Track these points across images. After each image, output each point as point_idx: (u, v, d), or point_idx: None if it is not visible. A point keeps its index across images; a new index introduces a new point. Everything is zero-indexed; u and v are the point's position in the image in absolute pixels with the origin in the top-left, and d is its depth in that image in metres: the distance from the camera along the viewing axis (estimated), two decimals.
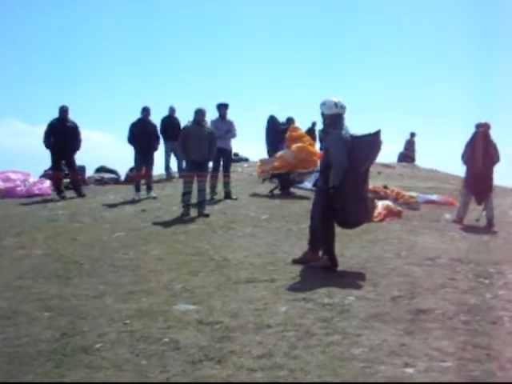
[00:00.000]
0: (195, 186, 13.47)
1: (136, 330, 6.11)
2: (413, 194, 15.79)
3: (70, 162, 17.24)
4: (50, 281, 8.21)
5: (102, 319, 6.50)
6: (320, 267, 8.44)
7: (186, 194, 13.36)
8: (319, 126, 31.64)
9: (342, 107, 8.63)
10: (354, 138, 8.51)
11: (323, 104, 8.60)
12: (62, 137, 16.46)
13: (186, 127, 13.68)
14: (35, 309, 6.93)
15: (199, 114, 13.48)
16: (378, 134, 8.67)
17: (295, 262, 8.70)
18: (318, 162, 18.03)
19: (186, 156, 13.60)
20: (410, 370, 4.95)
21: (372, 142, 8.66)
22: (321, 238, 8.61)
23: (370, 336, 5.74)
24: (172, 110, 20.23)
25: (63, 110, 16.92)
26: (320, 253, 8.72)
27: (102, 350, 5.64)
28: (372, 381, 4.74)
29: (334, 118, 8.58)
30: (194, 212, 13.31)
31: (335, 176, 8.27)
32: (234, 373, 4.99)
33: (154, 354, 5.48)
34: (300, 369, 5.01)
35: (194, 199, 13.54)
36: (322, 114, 8.68)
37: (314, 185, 9.12)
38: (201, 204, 13.47)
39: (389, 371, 4.92)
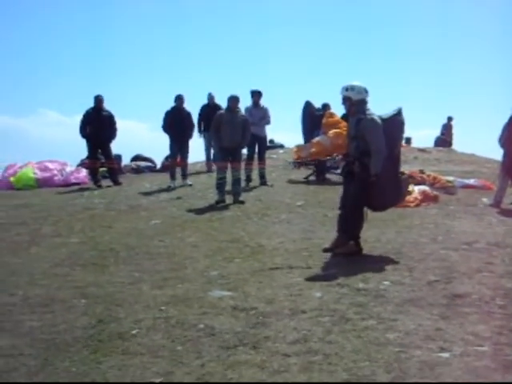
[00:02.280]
0: (229, 174, 13.50)
1: (171, 316, 6.14)
2: (450, 178, 15.65)
3: (107, 151, 17.43)
4: (86, 268, 8.28)
5: (137, 306, 6.54)
6: (347, 253, 8.42)
7: (221, 181, 13.40)
8: None
9: (368, 92, 8.60)
10: (384, 121, 8.46)
11: (351, 89, 8.47)
12: (98, 126, 16.65)
13: (219, 114, 13.70)
14: (72, 296, 7.00)
15: (232, 100, 13.51)
16: (400, 112, 8.71)
17: (327, 250, 8.60)
18: None
19: (220, 143, 13.61)
20: (445, 355, 4.89)
21: (399, 122, 8.70)
22: (351, 224, 8.54)
23: (405, 321, 5.69)
24: (211, 98, 19.13)
25: (98, 100, 17.08)
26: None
27: (138, 336, 5.67)
28: (407, 365, 4.71)
29: (361, 104, 8.51)
30: (229, 199, 13.34)
31: (377, 163, 8.24)
32: (268, 358, 4.99)
33: (190, 340, 5.49)
34: (335, 354, 4.99)
35: (228, 186, 13.58)
36: (347, 99, 8.53)
37: (342, 172, 9.04)
38: (236, 191, 13.49)
39: (424, 356, 4.88)
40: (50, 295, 7.05)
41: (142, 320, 6.07)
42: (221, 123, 13.37)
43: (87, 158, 18.11)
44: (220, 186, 13.43)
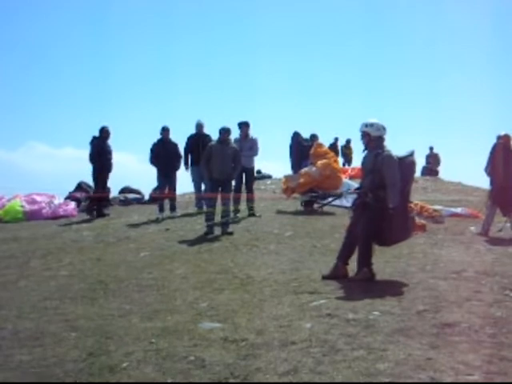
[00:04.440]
0: (218, 205, 13.56)
1: (162, 348, 6.13)
2: (437, 207, 15.75)
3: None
4: (76, 301, 8.27)
5: (127, 338, 6.53)
6: (361, 280, 8.60)
7: (210, 212, 13.50)
8: (341, 142, 31.90)
9: (385, 129, 9.00)
10: (398, 160, 8.88)
11: (371, 125, 8.91)
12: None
13: (209, 146, 13.81)
14: (62, 329, 6.99)
15: (223, 133, 13.65)
16: (413, 154, 9.15)
17: (326, 277, 8.78)
18: (343, 179, 18.15)
19: (209, 175, 13.67)
20: None
21: (411, 162, 9.11)
22: (363, 252, 8.77)
23: (396, 351, 5.70)
24: (200, 126, 17.20)
25: (104, 131, 17.42)
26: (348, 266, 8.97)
27: (129, 368, 5.66)
28: None
29: (379, 140, 8.93)
30: (217, 230, 13.37)
31: (394, 196, 8.59)
32: None
33: (180, 373, 5.49)
34: None
35: (217, 217, 13.62)
36: (366, 135, 8.94)
37: (353, 204, 9.29)
38: (224, 222, 13.53)
39: None
40: (39, 329, 7.03)
41: (133, 353, 6.06)
42: (211, 155, 13.48)
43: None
44: (209, 217, 13.49)
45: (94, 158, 17.16)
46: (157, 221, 15.80)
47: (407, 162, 8.98)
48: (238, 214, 15.58)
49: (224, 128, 13.74)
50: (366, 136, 8.95)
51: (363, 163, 9.29)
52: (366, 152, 9.10)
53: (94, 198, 18.15)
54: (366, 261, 8.75)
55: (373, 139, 8.90)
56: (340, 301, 7.57)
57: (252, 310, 7.42)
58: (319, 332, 6.36)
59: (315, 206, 17.01)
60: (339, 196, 15.63)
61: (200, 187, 17.08)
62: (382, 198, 8.61)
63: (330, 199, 15.86)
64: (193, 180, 17.15)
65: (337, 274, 8.83)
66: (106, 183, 17.77)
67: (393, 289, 8.15)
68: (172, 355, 5.93)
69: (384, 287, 8.27)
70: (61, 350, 6.29)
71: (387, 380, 5.02)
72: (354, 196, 14.19)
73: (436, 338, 6.06)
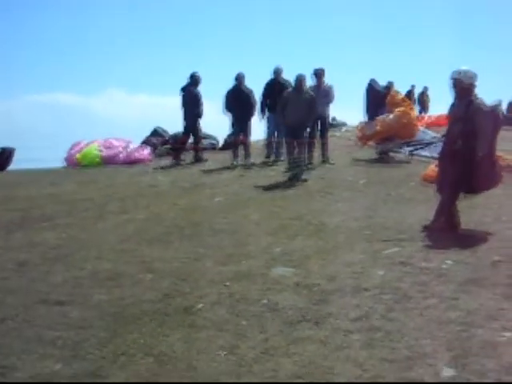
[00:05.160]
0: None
1: (235, 291, 6.27)
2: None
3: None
4: (151, 244, 8.47)
5: (202, 281, 6.70)
6: (436, 229, 8.54)
7: (290, 158, 13.78)
8: (418, 90, 31.34)
9: (477, 77, 8.82)
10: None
11: (463, 73, 8.71)
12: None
13: (285, 93, 13.97)
14: (138, 271, 7.20)
15: (299, 80, 13.70)
16: (500, 104, 9.02)
17: (427, 227, 8.75)
18: (419, 127, 17.92)
19: (285, 122, 13.82)
20: (508, 334, 4.91)
21: (500, 112, 9.23)
22: (445, 202, 8.69)
23: (468, 300, 5.70)
24: (278, 72, 16.72)
25: (195, 77, 17.45)
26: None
27: (203, 310, 5.82)
28: (469, 344, 4.75)
29: (471, 88, 8.73)
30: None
31: (484, 144, 8.49)
32: (330, 334, 5.08)
33: (253, 315, 5.62)
34: (397, 331, 5.05)
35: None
36: (458, 82, 8.74)
37: (441, 152, 9.30)
38: (300, 169, 13.62)
39: (486, 335, 4.90)
40: (117, 270, 7.26)
41: (207, 295, 6.22)
42: (287, 102, 13.63)
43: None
44: (290, 162, 13.79)
45: (186, 104, 17.29)
46: (231, 167, 15.94)
47: (496, 112, 8.89)
48: (312, 161, 15.58)
49: (299, 75, 13.84)
50: (458, 84, 8.75)
51: (451, 111, 9.13)
52: (455, 99, 8.96)
53: (181, 144, 18.37)
54: (445, 210, 8.66)
55: (465, 87, 8.71)
56: (413, 249, 7.56)
57: (325, 256, 7.49)
58: (391, 279, 6.40)
59: (391, 154, 16.90)
60: (428, 144, 15.55)
61: (273, 134, 16.95)
62: (471, 146, 8.46)
63: (418, 146, 15.83)
64: (268, 127, 17.01)
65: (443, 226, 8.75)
66: (197, 129, 17.80)
67: (467, 239, 8.08)
68: (245, 298, 6.06)
69: (458, 237, 8.20)
70: (137, 290, 6.50)
71: (458, 328, 5.05)
72: (433, 145, 14.00)
73: (510, 289, 6.01)
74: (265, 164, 16.10)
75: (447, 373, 4.29)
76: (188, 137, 18.02)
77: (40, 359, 4.87)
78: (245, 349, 4.89)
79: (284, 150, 14.55)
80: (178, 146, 18.28)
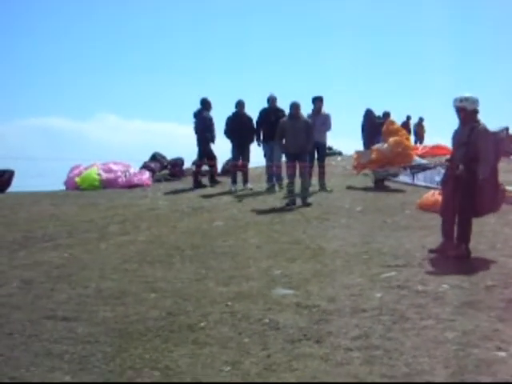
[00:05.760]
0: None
1: (237, 311, 6.44)
2: (509, 187, 15.59)
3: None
4: (154, 265, 8.64)
5: (204, 301, 6.86)
6: (458, 256, 8.66)
7: (291, 185, 13.94)
8: (414, 120, 31.68)
9: (479, 102, 9.02)
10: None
11: (466, 100, 8.89)
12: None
13: (282, 122, 14.20)
14: (142, 290, 7.37)
15: (294, 107, 14.00)
16: (506, 130, 9.11)
17: (432, 251, 8.92)
18: (414, 156, 18.13)
19: (285, 149, 14.15)
20: (502, 354, 5.09)
21: (503, 138, 9.18)
22: (464, 227, 8.84)
23: (464, 322, 5.88)
24: (272, 100, 16.66)
25: (205, 102, 17.62)
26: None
27: (207, 328, 5.98)
28: (465, 362, 4.92)
29: (474, 113, 8.94)
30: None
31: (485, 169, 8.67)
32: (331, 351, 5.25)
33: (256, 333, 5.79)
34: (395, 349, 5.23)
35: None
36: (462, 109, 8.91)
37: (443, 177, 9.55)
38: (304, 194, 13.93)
39: (481, 354, 5.08)
40: (121, 288, 7.43)
41: (210, 314, 6.38)
42: (284, 130, 13.91)
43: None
44: (290, 189, 13.94)
45: (198, 129, 17.45)
46: (230, 192, 16.12)
47: (499, 137, 9.15)
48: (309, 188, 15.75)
49: (294, 103, 14.08)
50: (462, 110, 8.92)
51: (455, 136, 9.25)
52: (459, 126, 9.14)
53: (199, 167, 18.42)
54: (466, 236, 8.83)
55: (468, 113, 8.90)
56: (410, 273, 7.73)
57: (324, 278, 7.65)
58: (389, 301, 6.58)
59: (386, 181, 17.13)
60: (430, 167, 15.77)
61: (270, 161, 16.72)
62: (472, 170, 8.65)
63: (420, 166, 16.07)
64: (264, 155, 16.87)
65: (443, 250, 8.92)
66: (211, 153, 17.94)
67: (462, 265, 8.24)
68: (247, 317, 6.23)
69: (453, 263, 8.36)
70: (141, 308, 6.67)
71: (454, 348, 5.22)
72: (425, 173, 14.27)
73: (503, 312, 6.20)
74: (263, 189, 16.23)
75: None
76: (204, 161, 18.16)
77: (49, 371, 5.03)
78: (248, 364, 5.06)
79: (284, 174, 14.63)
80: (196, 171, 18.40)
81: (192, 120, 17.49)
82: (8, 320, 6.31)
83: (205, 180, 18.11)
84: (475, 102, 8.95)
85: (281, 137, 14.07)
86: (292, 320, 6.10)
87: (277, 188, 16.02)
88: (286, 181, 14.30)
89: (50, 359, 5.28)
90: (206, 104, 17.57)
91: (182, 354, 5.35)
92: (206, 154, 17.77)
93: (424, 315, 6.11)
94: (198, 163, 18.42)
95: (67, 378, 4.88)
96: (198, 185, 17.68)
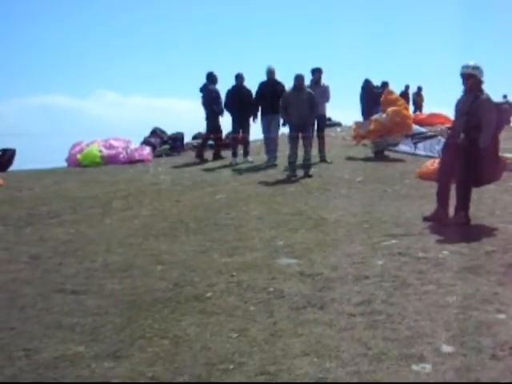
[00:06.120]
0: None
1: (243, 280, 6.58)
2: (508, 155, 15.68)
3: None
4: (158, 238, 8.77)
5: (210, 271, 6.99)
6: (457, 223, 8.79)
7: (292, 157, 14.07)
8: (412, 90, 31.65)
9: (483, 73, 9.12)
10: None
11: (477, 68, 8.96)
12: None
13: (285, 94, 14.42)
14: (148, 262, 7.50)
15: (298, 79, 14.19)
16: (508, 102, 9.28)
17: (426, 219, 9.08)
18: (413, 126, 18.19)
19: (289, 120, 14.29)
20: (501, 316, 5.23)
21: (506, 109, 9.39)
22: (462, 195, 8.94)
23: (464, 286, 6.02)
24: (271, 72, 16.45)
25: (212, 76, 17.87)
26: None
27: (213, 298, 6.12)
28: (466, 324, 5.07)
29: (480, 83, 9.01)
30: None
31: (486, 137, 8.75)
32: (335, 317, 5.39)
33: (261, 302, 5.92)
34: (397, 313, 5.37)
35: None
36: (471, 76, 8.95)
37: (444, 144, 9.67)
38: (306, 164, 14.15)
39: (481, 316, 5.22)
40: (127, 262, 7.56)
41: (216, 284, 6.52)
42: (288, 102, 14.05)
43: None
44: (291, 161, 14.06)
45: (205, 102, 17.58)
46: (231, 165, 16.25)
47: (502, 108, 9.19)
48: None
49: (298, 75, 14.22)
50: (470, 77, 8.94)
51: (457, 105, 9.30)
52: (462, 95, 9.19)
53: (205, 140, 18.73)
54: (464, 204, 8.93)
55: (476, 82, 8.95)
56: (411, 241, 7.88)
57: (326, 248, 7.80)
58: (391, 268, 6.72)
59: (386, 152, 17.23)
60: (432, 136, 15.88)
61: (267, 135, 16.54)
62: (473, 139, 8.73)
63: (422, 135, 16.16)
64: (263, 128, 16.63)
65: (437, 217, 9.08)
66: (218, 127, 18.10)
67: (462, 231, 8.38)
68: (252, 286, 6.37)
69: (453, 229, 8.50)
70: (148, 280, 6.80)
71: (455, 311, 5.37)
72: (425, 142, 14.38)
73: (503, 276, 6.34)
74: (263, 162, 16.33)
75: (446, 349, 4.60)
76: (210, 135, 18.32)
77: (61, 343, 5.15)
78: (255, 331, 5.20)
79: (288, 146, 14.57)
80: (202, 144, 18.56)
81: (197, 95, 17.59)
82: (19, 294, 6.43)
83: (208, 154, 18.18)
84: (482, 72, 9.00)
85: (285, 108, 14.20)
86: (296, 288, 6.24)
87: (275, 161, 16.08)
88: (287, 152, 14.34)
89: (62, 331, 5.41)
90: (211, 77, 17.73)
91: (189, 323, 5.49)
92: (213, 127, 17.90)
93: (425, 281, 6.26)
94: (204, 137, 18.51)
95: (81, 348, 5.01)
96: (201, 159, 17.79)
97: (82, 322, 5.62)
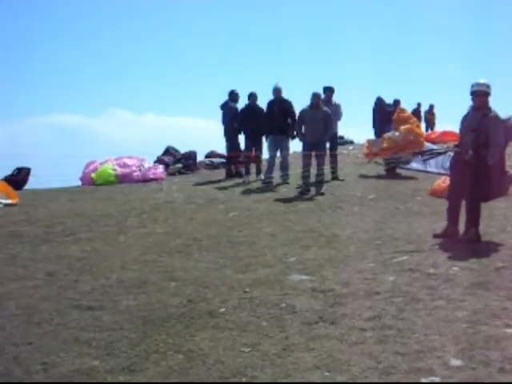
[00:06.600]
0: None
1: (255, 296, 6.66)
2: None
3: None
4: (172, 255, 8.88)
5: (223, 288, 7.08)
6: (468, 240, 8.87)
7: (306, 173, 14.26)
8: (424, 108, 31.71)
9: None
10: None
11: (488, 86, 9.04)
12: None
13: (302, 111, 14.59)
14: (162, 279, 7.60)
15: (315, 97, 14.35)
16: None
17: (437, 236, 9.15)
18: (425, 144, 18.25)
19: (303, 138, 14.49)
20: (510, 330, 5.30)
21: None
22: (472, 212, 9.01)
23: (473, 301, 6.10)
24: (277, 91, 16.22)
25: (233, 94, 18.04)
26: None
27: (226, 313, 6.21)
28: (474, 339, 5.15)
29: (488, 100, 9.09)
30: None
31: (495, 154, 8.87)
32: (346, 332, 5.48)
33: (273, 317, 6.01)
34: (407, 328, 5.46)
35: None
36: (485, 95, 9.03)
37: (451, 160, 9.74)
38: (319, 182, 14.26)
39: (490, 331, 5.30)
40: (142, 278, 7.66)
41: (229, 300, 6.61)
42: (304, 120, 14.33)
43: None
44: (305, 177, 14.25)
45: (225, 120, 17.76)
46: (243, 183, 16.36)
47: (508, 125, 9.22)
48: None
49: (315, 93, 14.45)
50: (483, 95, 9.01)
51: (464, 121, 9.37)
52: (469, 111, 9.26)
53: (232, 159, 18.62)
54: (475, 221, 9.00)
55: (485, 99, 9.03)
56: (421, 257, 7.97)
57: (338, 264, 7.89)
58: (401, 284, 6.81)
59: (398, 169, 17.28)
60: (441, 153, 15.92)
61: (273, 156, 16.37)
62: (482, 156, 8.80)
63: (431, 152, 16.23)
64: (269, 147, 16.52)
65: (447, 234, 9.15)
66: (238, 144, 18.13)
67: (472, 248, 8.45)
68: (265, 302, 6.46)
69: (464, 246, 8.59)
70: (163, 296, 6.89)
71: (464, 326, 5.45)
72: (436, 159, 14.42)
73: None
74: (276, 180, 16.39)
75: (455, 363, 4.68)
76: (235, 152, 18.28)
77: (78, 357, 5.25)
78: (267, 346, 5.29)
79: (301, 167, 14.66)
80: (233, 162, 18.62)
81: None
82: (36, 310, 6.53)
83: (220, 172, 18.29)
84: (490, 88, 9.05)
85: (300, 125, 14.47)
86: (308, 304, 6.32)
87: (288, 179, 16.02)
88: (298, 170, 14.47)
89: (78, 345, 5.51)
90: (233, 95, 17.91)
91: (203, 337, 5.58)
92: (235, 144, 18.04)
93: (435, 296, 6.34)
94: (232, 155, 18.46)
95: (96, 362, 5.11)
96: (232, 175, 18.01)
97: (97, 337, 5.72)
